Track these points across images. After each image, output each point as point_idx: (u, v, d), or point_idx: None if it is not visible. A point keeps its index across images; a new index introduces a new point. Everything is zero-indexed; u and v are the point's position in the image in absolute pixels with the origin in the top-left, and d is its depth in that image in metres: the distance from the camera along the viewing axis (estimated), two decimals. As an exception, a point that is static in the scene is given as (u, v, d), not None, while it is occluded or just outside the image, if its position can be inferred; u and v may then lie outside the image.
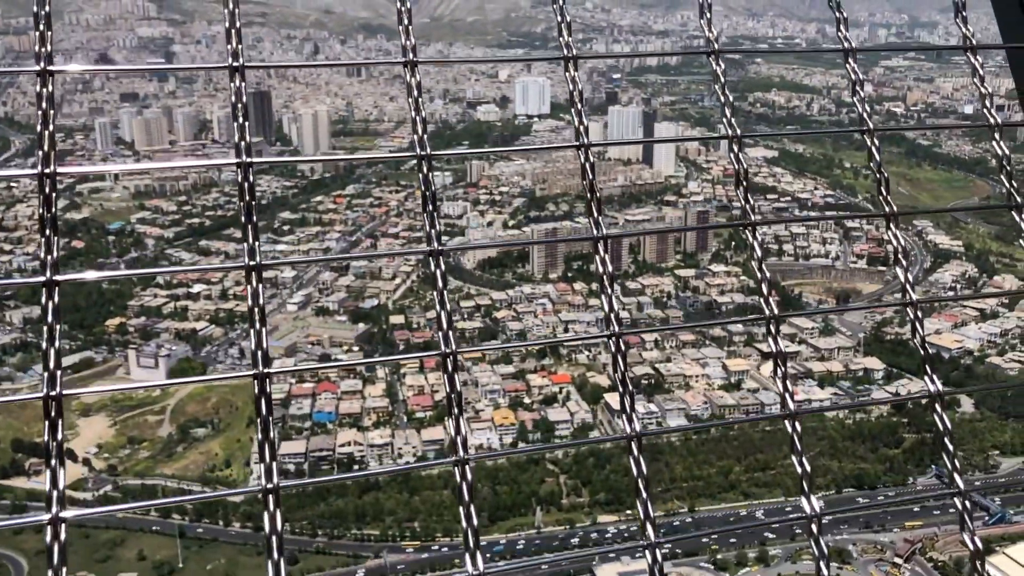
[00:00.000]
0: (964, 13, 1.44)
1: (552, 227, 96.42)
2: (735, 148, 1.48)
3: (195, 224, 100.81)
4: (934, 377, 1.50)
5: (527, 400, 71.00)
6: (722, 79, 1.49)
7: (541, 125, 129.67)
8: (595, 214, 1.46)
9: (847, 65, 1.48)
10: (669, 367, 73.27)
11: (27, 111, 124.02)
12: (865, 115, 1.49)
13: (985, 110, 1.42)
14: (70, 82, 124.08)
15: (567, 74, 1.54)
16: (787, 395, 1.49)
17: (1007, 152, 1.39)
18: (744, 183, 1.49)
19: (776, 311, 1.49)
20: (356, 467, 64.65)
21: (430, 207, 1.46)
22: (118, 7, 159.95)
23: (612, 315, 1.49)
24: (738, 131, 1.47)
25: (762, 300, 1.51)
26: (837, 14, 1.50)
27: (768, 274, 1.61)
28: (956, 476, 1.36)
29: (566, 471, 63.39)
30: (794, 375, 72.41)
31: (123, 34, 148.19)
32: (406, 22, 1.46)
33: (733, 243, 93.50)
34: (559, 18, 1.55)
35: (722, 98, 1.47)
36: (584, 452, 63.36)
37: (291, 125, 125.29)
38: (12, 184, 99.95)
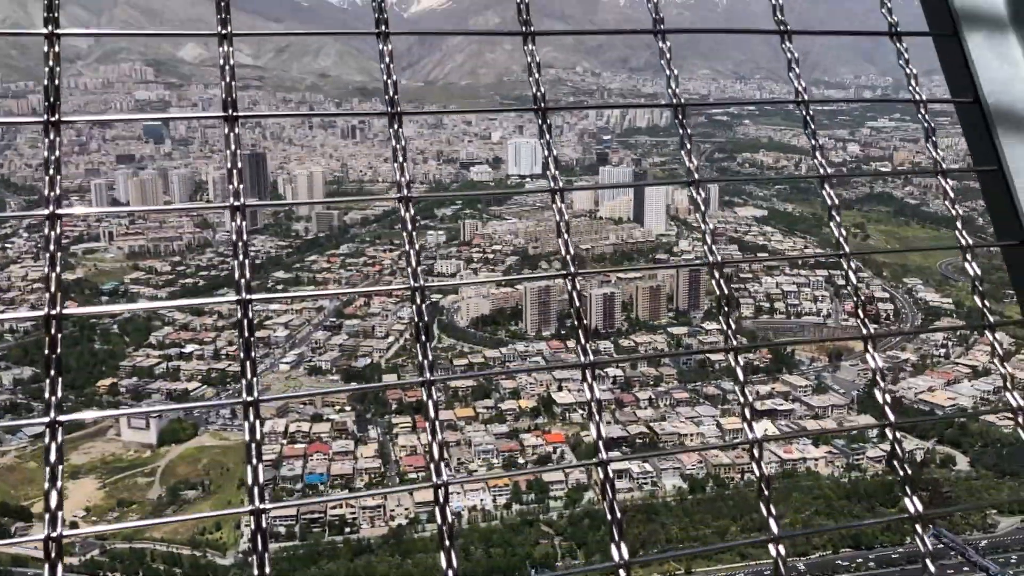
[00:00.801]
0: (913, 81, 1.53)
1: (545, 285, 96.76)
2: (692, 191, 1.56)
3: (188, 284, 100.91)
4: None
5: (521, 460, 70.36)
6: (687, 130, 1.56)
7: (533, 185, 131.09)
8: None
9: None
10: (663, 426, 72.89)
11: (24, 172, 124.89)
12: (821, 163, 1.56)
13: (930, 148, 1.50)
14: (67, 144, 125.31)
15: (542, 124, 1.66)
16: (749, 424, 1.55)
17: (952, 195, 1.48)
18: (705, 222, 1.55)
19: (741, 343, 1.52)
20: (347, 529, 63.66)
21: (415, 247, 1.51)
22: (116, 71, 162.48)
23: (587, 345, 1.57)
24: (696, 176, 1.56)
25: (728, 332, 1.58)
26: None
27: (727, 292, 1.69)
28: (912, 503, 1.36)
29: (560, 533, 62.54)
30: (788, 434, 72.08)
31: (121, 97, 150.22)
32: (393, 77, 1.55)
33: (724, 300, 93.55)
34: (531, 69, 1.66)
35: (687, 144, 1.55)
36: (579, 513, 62.56)
37: (286, 186, 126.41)
38: (6, 246, 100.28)
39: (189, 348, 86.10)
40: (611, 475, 1.39)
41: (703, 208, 1.57)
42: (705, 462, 67.92)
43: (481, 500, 64.48)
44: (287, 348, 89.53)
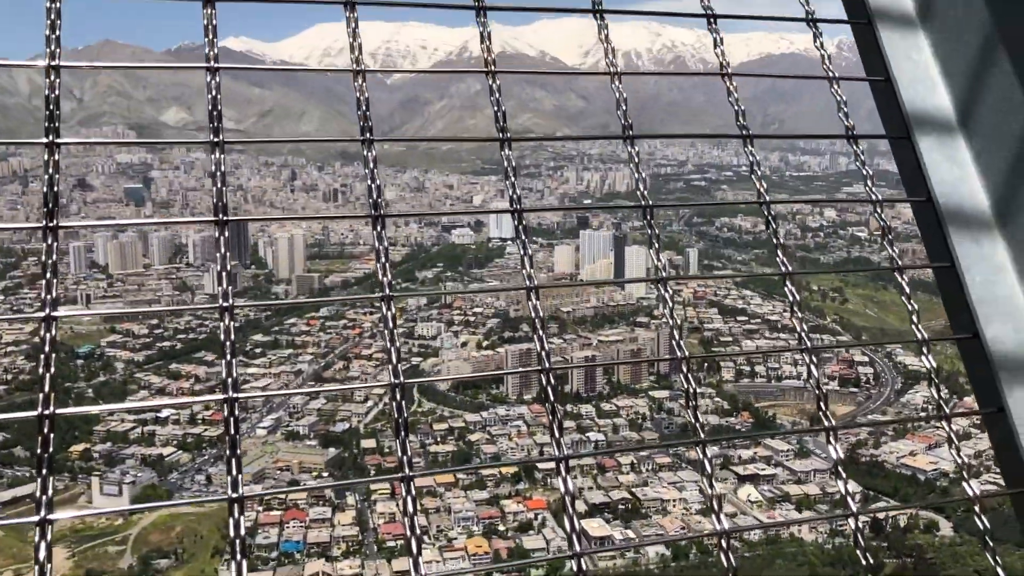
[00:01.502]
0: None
1: (526, 347, 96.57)
2: (648, 216, 1.53)
3: (166, 347, 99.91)
4: (829, 415, 1.52)
5: (501, 527, 69.21)
6: (636, 159, 1.53)
7: (514, 247, 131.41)
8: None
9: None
10: (646, 491, 72.13)
11: None
12: (761, 190, 1.55)
13: (868, 190, 1.55)
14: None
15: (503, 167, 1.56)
16: (698, 424, 1.51)
17: (888, 224, 1.57)
18: (657, 245, 1.55)
19: (694, 358, 1.51)
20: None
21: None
22: (98, 133, 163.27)
23: (544, 354, 1.50)
24: (650, 201, 1.52)
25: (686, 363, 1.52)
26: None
27: (675, 321, 1.57)
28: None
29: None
30: (771, 498, 71.57)
31: (102, 160, 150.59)
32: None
33: (706, 364, 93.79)
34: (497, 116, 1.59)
35: (636, 174, 1.51)
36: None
37: (267, 249, 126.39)
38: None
39: (165, 413, 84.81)
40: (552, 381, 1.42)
41: (655, 231, 1.56)
42: (687, 527, 67.09)
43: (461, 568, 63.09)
44: (264, 412, 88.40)
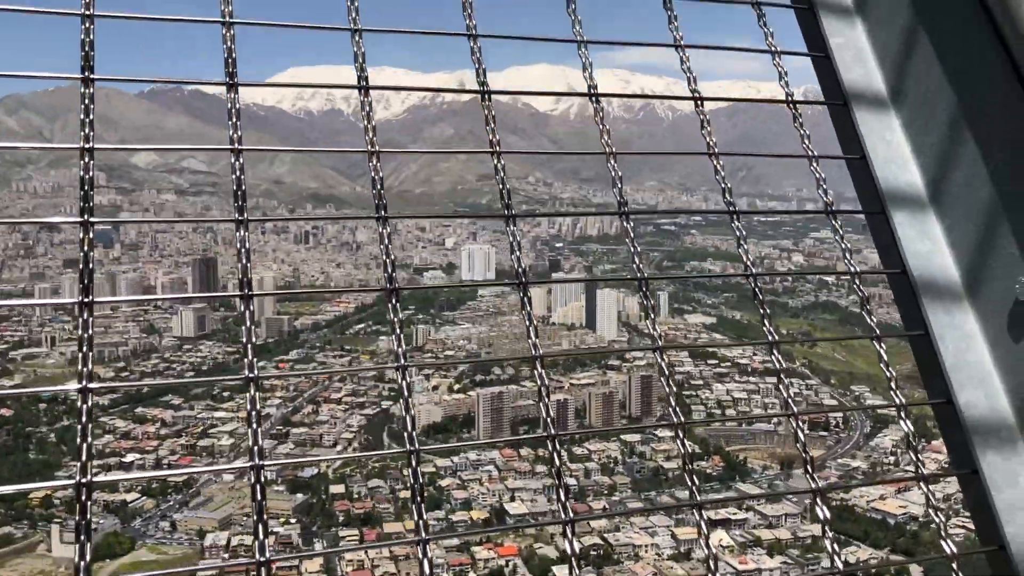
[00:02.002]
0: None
1: (498, 391, 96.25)
2: (644, 288, 1.55)
3: (132, 392, 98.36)
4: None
5: (472, 575, 68.29)
6: (631, 234, 1.57)
7: (486, 291, 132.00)
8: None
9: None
10: (618, 536, 71.61)
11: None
12: (748, 262, 1.57)
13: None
14: (11, 247, 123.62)
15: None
16: (676, 410, 1.52)
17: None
18: (653, 315, 1.55)
19: (682, 420, 1.53)
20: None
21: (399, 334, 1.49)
22: (67, 176, 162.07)
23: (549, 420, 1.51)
24: (645, 274, 1.55)
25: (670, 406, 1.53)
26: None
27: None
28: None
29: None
30: (743, 543, 71.35)
31: (71, 201, 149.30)
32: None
33: (678, 408, 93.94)
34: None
35: (632, 248, 1.54)
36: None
37: (236, 234, 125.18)
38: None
39: (130, 457, 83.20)
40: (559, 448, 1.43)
41: (651, 302, 1.56)
42: (660, 573, 66.61)
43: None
44: (231, 457, 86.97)
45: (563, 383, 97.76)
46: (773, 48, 1.64)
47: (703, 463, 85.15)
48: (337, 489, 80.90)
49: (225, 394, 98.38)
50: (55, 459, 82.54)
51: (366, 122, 1.50)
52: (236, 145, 1.43)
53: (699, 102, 1.74)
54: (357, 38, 1.53)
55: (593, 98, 1.71)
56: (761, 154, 2.09)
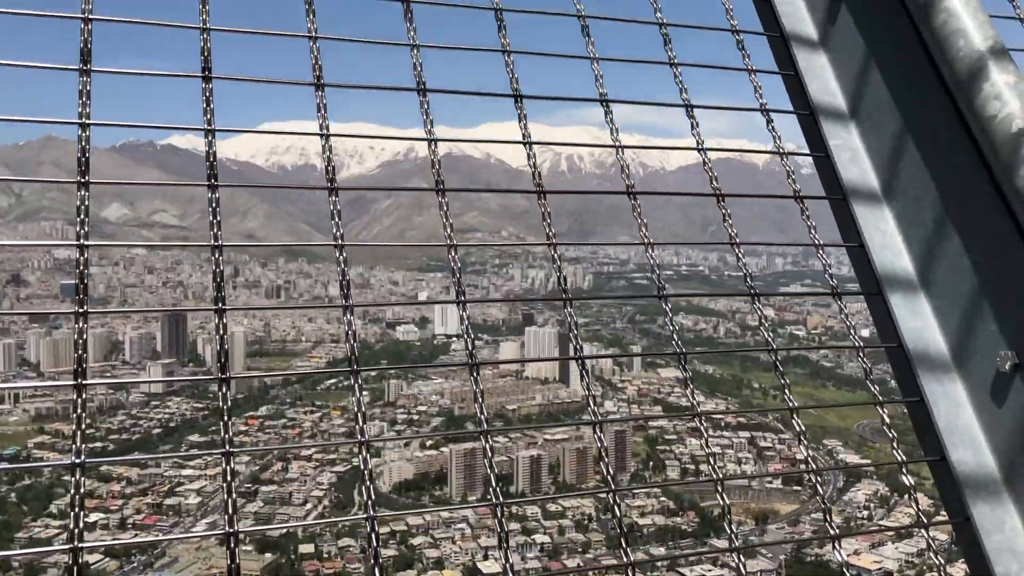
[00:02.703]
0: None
1: (471, 447, 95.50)
2: (683, 362, 1.76)
3: (97, 448, 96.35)
4: None
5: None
6: (670, 314, 1.76)
7: (459, 344, 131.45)
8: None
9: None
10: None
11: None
12: (768, 338, 1.77)
13: (852, 337, 1.75)
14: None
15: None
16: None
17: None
18: (690, 384, 1.75)
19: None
20: None
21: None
22: (36, 230, 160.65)
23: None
24: (682, 348, 1.75)
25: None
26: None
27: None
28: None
29: None
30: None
31: (39, 255, 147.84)
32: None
33: (651, 463, 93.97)
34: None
35: (672, 326, 1.74)
36: None
37: (205, 346, 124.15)
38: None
39: (93, 517, 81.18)
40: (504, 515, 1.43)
41: (687, 374, 1.72)
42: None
43: None
44: (198, 516, 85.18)
45: (536, 439, 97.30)
46: (781, 149, 1.89)
47: (677, 519, 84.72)
48: (307, 548, 79.35)
49: (193, 450, 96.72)
50: (15, 519, 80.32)
51: (326, 163, 1.68)
52: (213, 181, 1.55)
53: (703, 152, 1.98)
54: (320, 92, 1.71)
55: (618, 150, 1.93)
56: (776, 243, 2.32)
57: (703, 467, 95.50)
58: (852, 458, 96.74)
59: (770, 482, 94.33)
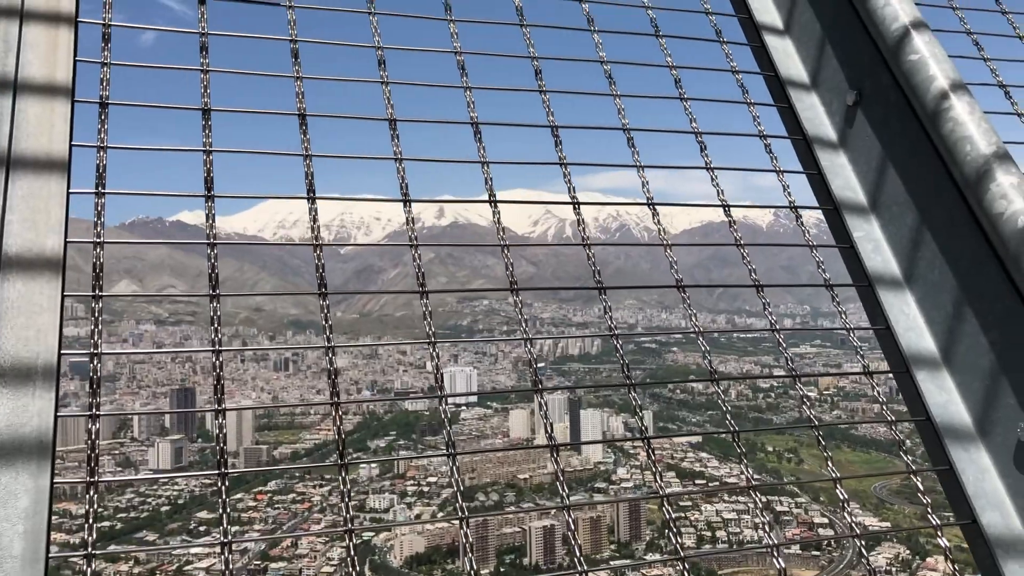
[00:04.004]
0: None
1: (482, 518, 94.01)
2: (736, 440, 1.93)
3: (105, 528, 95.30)
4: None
5: None
6: (722, 397, 1.93)
7: (469, 413, 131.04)
8: None
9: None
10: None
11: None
12: (811, 415, 1.93)
13: (884, 413, 1.91)
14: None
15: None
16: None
17: (900, 439, 1.85)
18: (744, 462, 1.89)
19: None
20: None
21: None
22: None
23: None
24: (735, 427, 1.92)
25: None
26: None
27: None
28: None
29: None
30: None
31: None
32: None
33: (666, 530, 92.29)
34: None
35: (725, 405, 1.91)
36: None
37: (214, 421, 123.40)
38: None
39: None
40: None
41: (751, 475, 1.88)
42: None
43: None
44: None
45: (549, 508, 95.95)
46: (810, 242, 2.09)
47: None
48: (318, 627, 77.83)
49: (201, 528, 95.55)
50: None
51: (312, 222, 1.82)
52: (211, 238, 1.70)
53: (727, 210, 2.18)
54: (308, 161, 1.90)
55: (651, 205, 2.12)
56: (810, 328, 2.51)
57: (719, 533, 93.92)
58: (871, 521, 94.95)
59: (788, 548, 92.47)
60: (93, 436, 1.45)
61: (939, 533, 1.82)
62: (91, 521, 1.40)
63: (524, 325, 1.88)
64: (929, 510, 1.85)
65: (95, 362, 1.52)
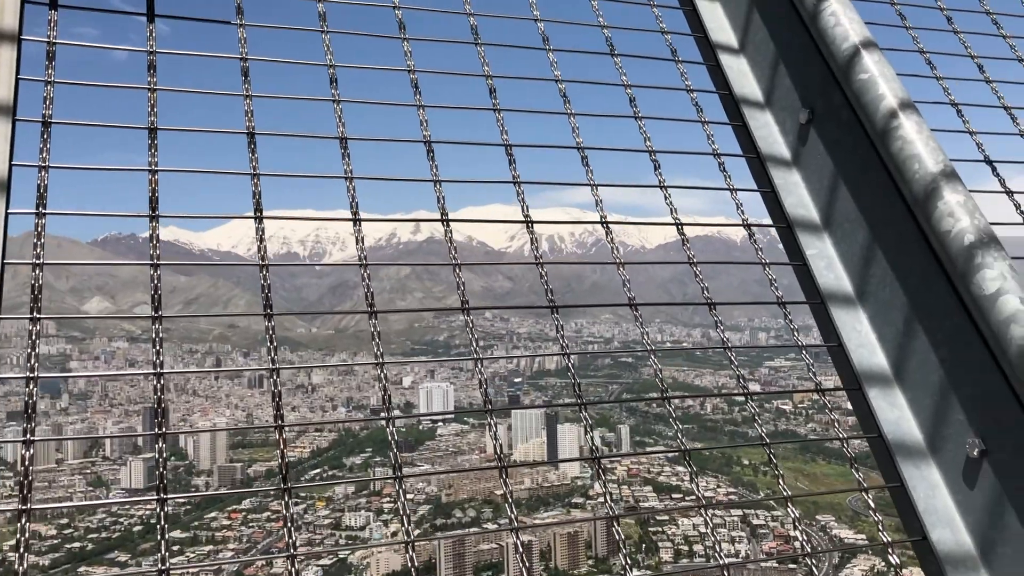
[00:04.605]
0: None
1: (459, 534, 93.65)
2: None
3: (75, 549, 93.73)
4: None
5: None
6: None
7: (446, 429, 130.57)
8: None
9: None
10: None
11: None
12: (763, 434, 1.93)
13: (837, 430, 1.91)
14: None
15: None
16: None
17: (852, 457, 1.88)
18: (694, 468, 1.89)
19: None
20: None
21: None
22: (15, 325, 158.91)
23: None
24: (686, 446, 1.92)
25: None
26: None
27: None
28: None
29: None
30: None
31: (17, 352, 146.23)
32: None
33: (644, 545, 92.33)
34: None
35: (676, 425, 1.91)
36: None
37: (187, 439, 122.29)
38: None
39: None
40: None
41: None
42: None
43: None
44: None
45: (526, 522, 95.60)
46: (763, 260, 2.10)
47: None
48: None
49: (175, 547, 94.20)
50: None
51: (258, 243, 1.81)
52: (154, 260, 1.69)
53: (680, 228, 2.18)
54: (255, 180, 1.88)
55: (605, 223, 2.12)
56: (763, 346, 2.52)
57: (696, 547, 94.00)
58: (846, 533, 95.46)
59: (765, 561, 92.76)
60: (27, 462, 1.44)
61: (891, 551, 1.83)
62: (22, 551, 1.39)
63: (475, 344, 1.86)
64: (880, 528, 1.86)
65: (31, 386, 1.48)
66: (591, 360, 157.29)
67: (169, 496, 1.43)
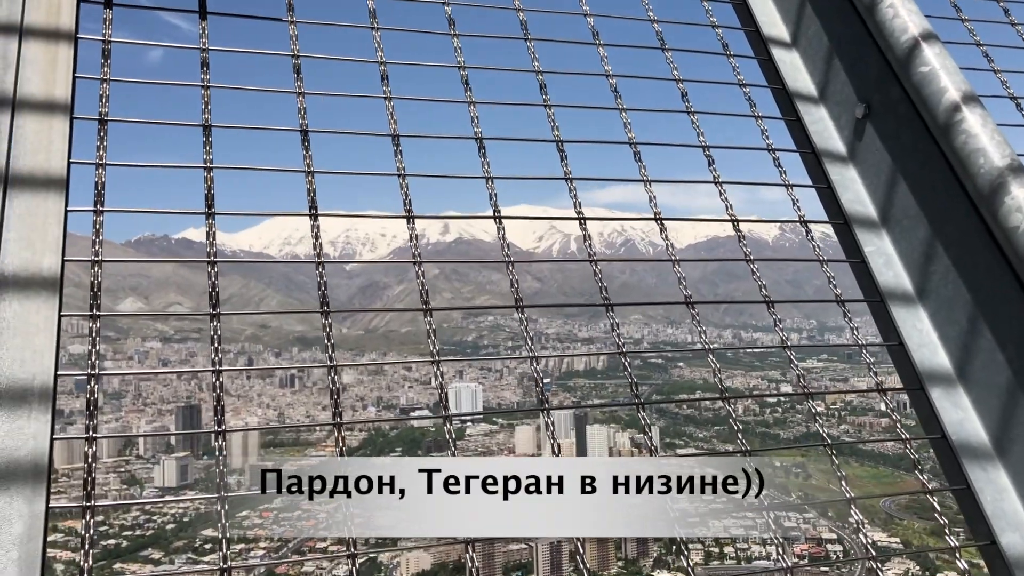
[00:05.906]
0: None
1: (487, 535, 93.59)
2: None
3: (111, 546, 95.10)
4: None
5: None
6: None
7: (475, 429, 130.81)
8: None
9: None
10: None
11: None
12: (825, 433, 1.88)
13: (899, 431, 1.87)
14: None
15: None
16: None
17: (916, 459, 1.83)
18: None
19: None
20: None
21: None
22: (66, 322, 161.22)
23: None
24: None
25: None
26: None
27: None
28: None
29: None
30: None
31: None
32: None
33: (673, 546, 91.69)
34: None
35: (736, 425, 1.87)
36: None
37: (220, 438, 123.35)
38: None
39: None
40: None
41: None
42: None
43: None
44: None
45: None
46: (820, 257, 2.06)
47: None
48: (324, 645, 77.33)
49: (207, 546, 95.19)
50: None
51: (315, 239, 1.79)
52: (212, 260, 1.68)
53: (736, 224, 2.15)
54: (310, 178, 1.86)
55: (659, 220, 2.09)
56: (822, 345, 2.48)
57: (727, 549, 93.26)
58: (879, 536, 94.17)
59: (796, 563, 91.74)
60: (90, 460, 1.45)
61: (958, 555, 1.78)
62: (87, 547, 1.40)
63: (530, 342, 1.84)
64: (947, 531, 1.80)
65: (92, 383, 1.48)
66: (619, 361, 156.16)
67: (229, 495, 1.44)
